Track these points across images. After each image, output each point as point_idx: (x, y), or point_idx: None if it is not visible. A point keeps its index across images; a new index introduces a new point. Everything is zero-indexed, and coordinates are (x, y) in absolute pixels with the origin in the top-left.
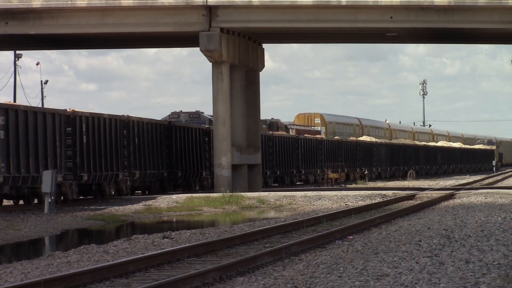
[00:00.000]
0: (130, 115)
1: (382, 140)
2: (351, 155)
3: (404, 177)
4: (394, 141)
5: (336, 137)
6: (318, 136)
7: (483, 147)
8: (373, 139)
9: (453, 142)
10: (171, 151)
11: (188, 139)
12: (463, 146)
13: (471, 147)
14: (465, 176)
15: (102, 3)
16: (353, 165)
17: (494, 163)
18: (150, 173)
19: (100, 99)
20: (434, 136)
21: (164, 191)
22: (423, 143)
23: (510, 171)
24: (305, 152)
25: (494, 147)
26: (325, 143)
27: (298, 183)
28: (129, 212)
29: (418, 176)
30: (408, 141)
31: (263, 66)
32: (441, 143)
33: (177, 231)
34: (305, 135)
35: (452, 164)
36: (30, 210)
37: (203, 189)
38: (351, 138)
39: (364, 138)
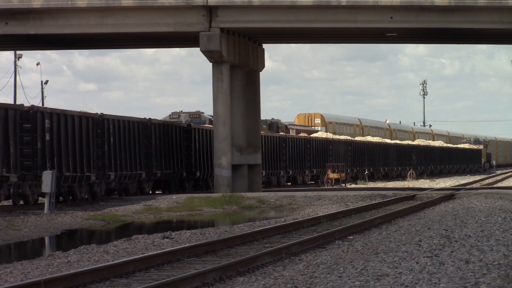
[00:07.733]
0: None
1: (348, 138)
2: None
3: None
4: (358, 138)
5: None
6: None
7: (468, 147)
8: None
9: (453, 142)
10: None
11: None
12: (445, 145)
13: (455, 146)
14: (465, 176)
15: (102, 3)
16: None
17: (494, 162)
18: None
19: (99, 99)
20: (434, 136)
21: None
22: (395, 141)
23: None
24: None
25: (481, 147)
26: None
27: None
28: (129, 212)
29: (389, 178)
30: (377, 139)
31: (263, 66)
32: (417, 141)
33: (177, 231)
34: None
35: (430, 165)
36: (30, 210)
37: None
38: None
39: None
